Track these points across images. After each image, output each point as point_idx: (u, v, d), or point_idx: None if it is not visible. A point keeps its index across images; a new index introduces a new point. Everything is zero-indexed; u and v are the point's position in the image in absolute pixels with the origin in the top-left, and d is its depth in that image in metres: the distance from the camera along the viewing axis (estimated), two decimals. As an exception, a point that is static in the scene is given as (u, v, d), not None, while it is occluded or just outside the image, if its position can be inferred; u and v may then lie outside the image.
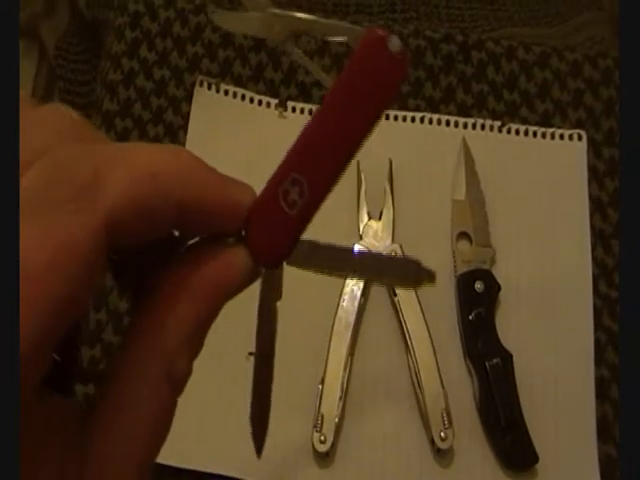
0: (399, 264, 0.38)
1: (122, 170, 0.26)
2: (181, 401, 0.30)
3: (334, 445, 0.63)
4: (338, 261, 0.34)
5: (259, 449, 0.37)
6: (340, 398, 0.64)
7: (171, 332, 0.28)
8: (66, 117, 0.29)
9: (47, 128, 0.28)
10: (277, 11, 0.41)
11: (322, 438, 0.62)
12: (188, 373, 0.29)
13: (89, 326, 0.65)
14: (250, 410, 0.36)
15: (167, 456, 0.31)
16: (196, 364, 0.31)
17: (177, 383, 0.29)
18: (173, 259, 0.29)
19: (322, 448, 0.62)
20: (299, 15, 0.36)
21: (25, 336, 0.23)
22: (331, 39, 0.33)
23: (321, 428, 0.63)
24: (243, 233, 0.31)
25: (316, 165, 0.30)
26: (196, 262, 0.29)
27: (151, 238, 0.28)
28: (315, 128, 0.30)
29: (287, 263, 0.32)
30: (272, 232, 0.30)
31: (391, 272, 0.36)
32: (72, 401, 0.29)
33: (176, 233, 0.30)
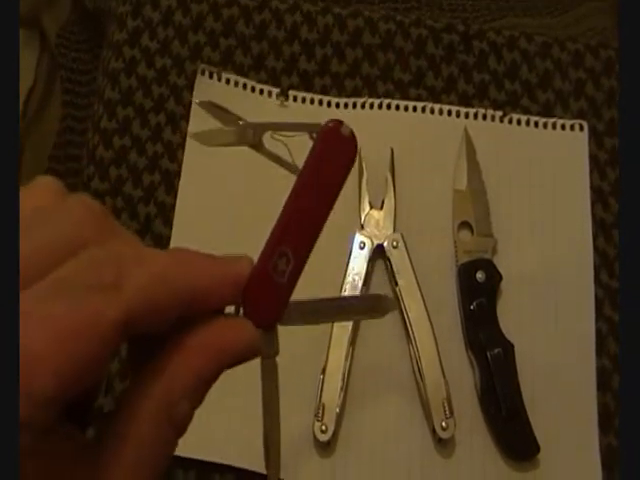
0: (367, 301, 0.44)
1: (139, 275, 0.31)
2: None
3: (335, 434, 0.63)
4: (320, 313, 0.39)
5: None
6: (341, 387, 0.64)
7: (176, 379, 0.32)
8: (90, 209, 0.33)
9: (73, 219, 0.32)
10: (248, 122, 0.50)
11: (323, 427, 0.62)
12: (189, 417, 0.33)
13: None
14: (264, 458, 0.42)
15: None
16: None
17: (178, 425, 0.32)
18: (185, 323, 0.33)
19: (323, 437, 0.62)
20: (267, 123, 0.46)
21: (42, 392, 0.27)
22: (297, 134, 0.40)
23: (322, 417, 0.63)
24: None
25: (297, 237, 0.35)
26: (208, 327, 0.33)
27: (162, 327, 0.32)
28: (292, 207, 0.36)
29: (279, 323, 0.36)
30: (267, 301, 0.35)
31: (362, 310, 0.42)
32: (81, 432, 0.32)
33: None
